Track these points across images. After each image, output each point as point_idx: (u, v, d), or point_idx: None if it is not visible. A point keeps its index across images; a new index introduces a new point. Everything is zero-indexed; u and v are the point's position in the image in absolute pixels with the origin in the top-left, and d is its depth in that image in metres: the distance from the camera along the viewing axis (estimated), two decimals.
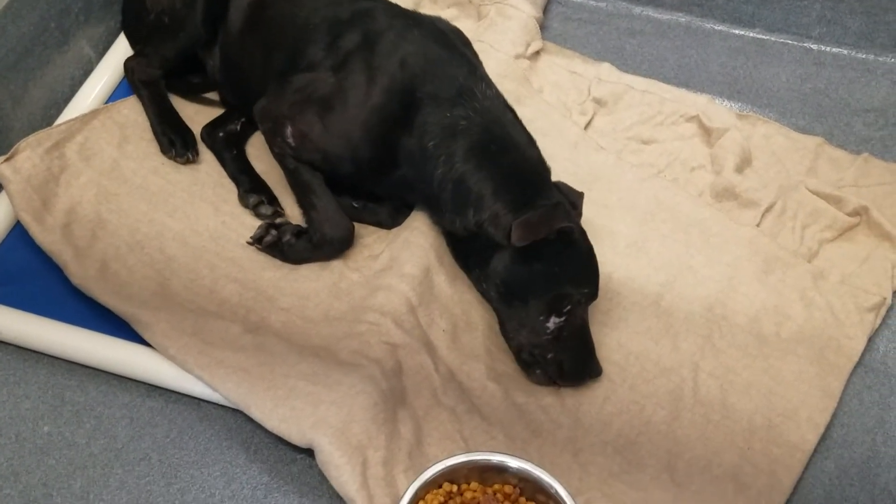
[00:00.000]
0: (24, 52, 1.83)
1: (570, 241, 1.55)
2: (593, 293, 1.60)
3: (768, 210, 1.91)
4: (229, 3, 1.88)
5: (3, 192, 1.75)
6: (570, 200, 1.66)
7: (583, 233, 1.60)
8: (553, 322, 1.55)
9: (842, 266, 1.83)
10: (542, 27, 2.26)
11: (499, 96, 1.69)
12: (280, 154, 1.73)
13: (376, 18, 1.72)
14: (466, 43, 1.79)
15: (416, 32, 1.69)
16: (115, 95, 1.97)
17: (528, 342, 1.58)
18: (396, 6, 1.81)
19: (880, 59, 2.24)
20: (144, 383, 1.60)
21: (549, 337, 1.56)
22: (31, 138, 1.77)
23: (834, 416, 1.63)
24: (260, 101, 1.77)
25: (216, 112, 1.95)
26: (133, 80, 1.92)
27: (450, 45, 1.71)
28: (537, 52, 2.19)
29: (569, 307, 1.55)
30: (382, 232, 1.79)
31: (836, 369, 1.67)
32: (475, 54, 1.79)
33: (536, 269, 1.55)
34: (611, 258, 1.80)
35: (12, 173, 1.71)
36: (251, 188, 1.80)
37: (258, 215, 1.78)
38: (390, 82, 1.64)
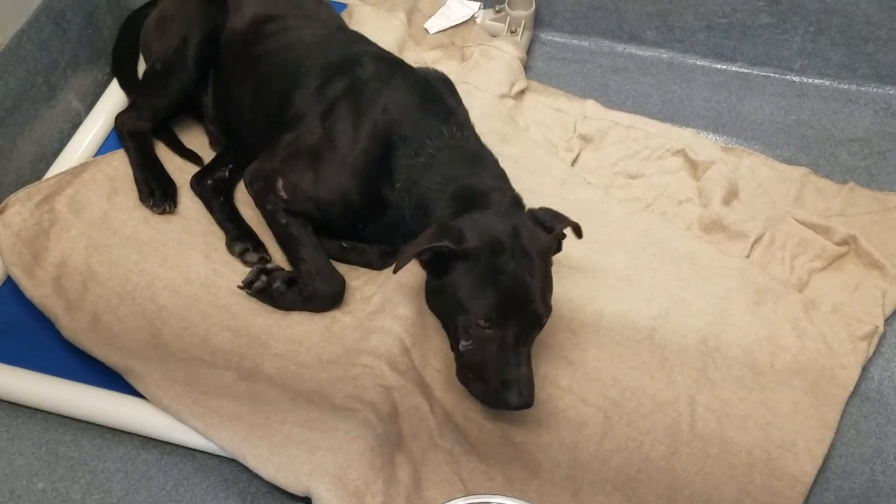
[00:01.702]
0: (12, 107, 1.83)
1: (468, 263, 1.50)
2: (495, 316, 1.49)
3: (757, 241, 1.92)
4: (220, 43, 1.91)
5: None
6: (546, 225, 1.60)
7: (492, 252, 1.50)
8: (462, 345, 1.54)
9: (832, 295, 1.84)
10: (526, 67, 2.29)
11: (471, 137, 1.71)
12: (272, 210, 1.74)
13: (364, 65, 1.75)
14: (452, 91, 1.81)
15: (399, 80, 1.73)
16: (105, 148, 1.98)
17: (456, 362, 1.58)
18: (384, 54, 1.84)
19: (862, 88, 2.27)
20: (138, 436, 1.59)
21: (462, 360, 1.55)
22: (21, 193, 1.78)
23: (832, 446, 1.63)
24: (249, 166, 1.80)
25: (205, 162, 1.96)
26: (121, 133, 1.93)
27: (430, 92, 1.73)
28: (522, 92, 2.21)
29: (471, 330, 1.52)
30: (373, 274, 1.79)
31: (832, 399, 1.67)
32: (459, 101, 1.81)
33: (444, 293, 1.55)
34: (602, 293, 1.80)
35: (2, 228, 1.72)
36: (237, 236, 1.81)
37: (245, 262, 1.79)
38: (373, 128, 1.67)
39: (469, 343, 1.52)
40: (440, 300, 1.57)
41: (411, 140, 1.65)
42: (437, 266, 1.53)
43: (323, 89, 1.74)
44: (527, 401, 1.50)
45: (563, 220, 1.61)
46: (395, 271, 1.51)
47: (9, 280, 1.73)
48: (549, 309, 1.54)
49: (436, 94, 1.73)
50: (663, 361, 1.72)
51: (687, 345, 1.74)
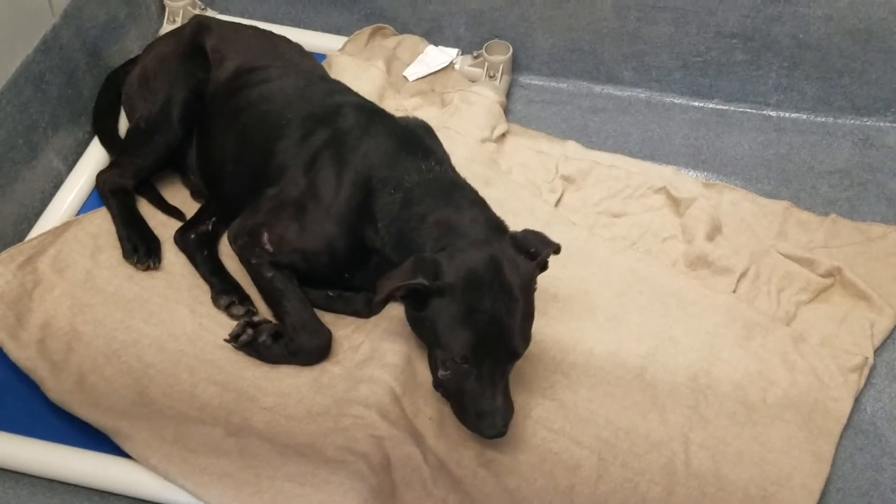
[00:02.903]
0: None
1: (444, 300, 1.50)
2: (471, 356, 1.50)
3: (742, 276, 1.92)
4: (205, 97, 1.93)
5: None
6: (529, 251, 1.57)
7: (469, 288, 1.49)
8: (440, 374, 1.56)
9: (820, 328, 1.84)
10: (507, 110, 2.30)
11: (448, 170, 1.72)
12: (257, 264, 1.74)
13: (345, 115, 1.77)
14: (432, 135, 1.82)
15: (379, 127, 1.74)
16: (87, 206, 1.97)
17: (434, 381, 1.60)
18: (365, 103, 1.86)
19: (839, 121, 2.30)
20: (128, 497, 1.56)
21: (442, 386, 1.58)
22: (4, 255, 1.78)
23: (828, 480, 1.62)
24: (232, 223, 1.81)
25: (187, 217, 1.95)
26: (103, 191, 1.93)
27: (409, 135, 1.75)
28: (503, 135, 2.22)
29: (448, 364, 1.53)
30: (361, 322, 1.79)
31: (826, 433, 1.67)
32: (439, 144, 1.81)
33: (422, 325, 1.55)
34: (591, 333, 1.80)
35: None
36: (223, 289, 1.81)
37: (231, 316, 1.78)
38: (354, 176, 1.68)
39: (447, 373, 1.54)
40: (419, 330, 1.58)
41: (389, 179, 1.66)
42: (414, 300, 1.53)
43: (305, 140, 1.76)
44: (500, 431, 1.53)
45: (550, 244, 1.60)
46: (373, 309, 1.51)
47: None
48: (527, 342, 1.55)
49: (414, 137, 1.75)
50: (655, 400, 1.71)
51: (678, 382, 1.74)
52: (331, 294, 1.79)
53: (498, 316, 1.49)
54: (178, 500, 1.52)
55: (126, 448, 1.55)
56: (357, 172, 1.68)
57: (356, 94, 1.91)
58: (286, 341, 1.70)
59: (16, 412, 1.64)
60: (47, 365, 1.65)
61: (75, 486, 1.58)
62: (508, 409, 1.54)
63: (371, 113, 1.81)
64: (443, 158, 1.75)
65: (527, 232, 1.61)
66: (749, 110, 2.34)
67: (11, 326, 1.69)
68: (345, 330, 1.77)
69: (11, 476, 1.59)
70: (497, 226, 1.63)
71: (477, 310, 1.49)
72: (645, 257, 1.96)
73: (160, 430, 1.56)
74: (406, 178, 1.65)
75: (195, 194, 2.00)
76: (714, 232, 2.00)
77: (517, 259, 1.55)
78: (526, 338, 1.54)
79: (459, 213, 1.61)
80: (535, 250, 1.57)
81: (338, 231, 1.69)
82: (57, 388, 1.62)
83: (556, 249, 1.61)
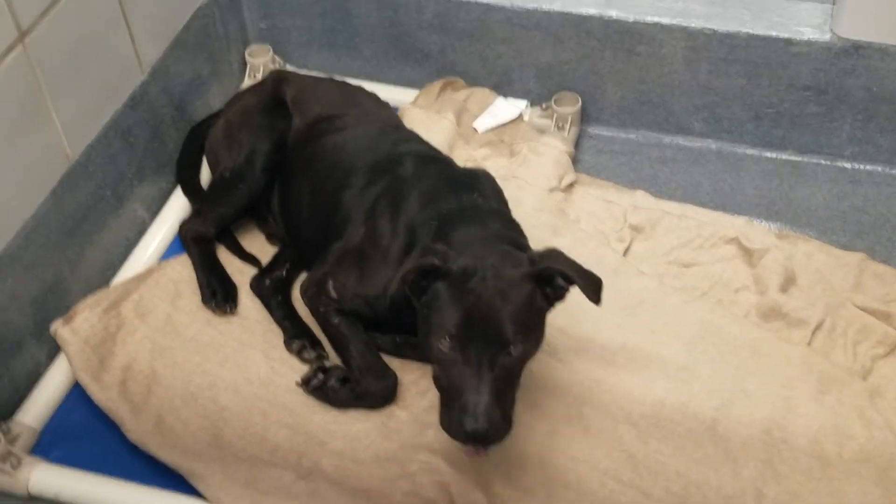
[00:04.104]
0: (81, 218, 1.90)
1: (444, 283, 1.47)
2: (455, 332, 1.44)
3: (818, 328, 1.88)
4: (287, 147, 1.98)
5: (62, 354, 1.80)
6: (534, 262, 1.52)
7: (465, 275, 1.46)
8: (434, 372, 1.50)
9: None
10: (575, 160, 2.31)
11: (489, 202, 1.72)
12: (325, 312, 1.78)
13: (405, 165, 1.81)
14: (489, 178, 1.82)
15: (432, 172, 1.78)
16: (168, 253, 2.04)
17: None
18: (428, 152, 1.90)
19: None
20: None
21: (437, 386, 1.50)
22: (90, 299, 1.85)
23: None
24: (303, 280, 1.85)
25: (263, 264, 2.01)
26: (185, 239, 2.00)
27: (459, 177, 1.77)
28: (571, 185, 2.22)
29: (437, 353, 1.47)
30: (427, 367, 1.78)
31: None
32: (492, 185, 1.81)
33: (423, 313, 1.51)
34: (662, 384, 1.78)
35: (71, 335, 1.77)
36: (295, 333, 1.84)
37: (302, 360, 1.81)
38: (405, 219, 1.70)
39: (438, 369, 1.48)
40: (421, 332, 1.53)
41: (430, 214, 1.66)
42: (419, 288, 1.50)
43: (367, 189, 1.80)
44: (481, 426, 1.39)
45: (556, 259, 1.51)
46: (388, 297, 1.49)
47: (77, 384, 1.77)
48: (517, 329, 1.44)
49: (465, 178, 1.77)
50: (728, 453, 1.68)
51: (751, 436, 1.71)
52: (398, 340, 1.81)
53: (486, 298, 1.45)
54: None
55: (200, 489, 1.59)
56: (407, 216, 1.70)
57: (423, 143, 1.95)
58: (352, 385, 1.72)
59: (98, 452, 1.69)
60: (128, 406, 1.70)
61: None
62: (494, 408, 1.40)
63: (429, 160, 1.84)
64: (488, 194, 1.75)
65: (546, 248, 1.56)
66: (823, 162, 2.31)
67: (95, 369, 1.75)
68: (412, 375, 1.78)
69: None
70: (519, 247, 1.59)
71: (467, 291, 1.45)
72: (716, 308, 1.94)
73: (233, 473, 1.60)
74: (443, 207, 1.66)
75: (270, 237, 2.06)
76: (788, 283, 1.97)
77: (523, 261, 1.51)
78: (515, 323, 1.44)
79: (483, 231, 1.59)
80: (537, 259, 1.52)
81: (394, 276, 1.71)
82: (137, 430, 1.67)
83: (588, 283, 1.50)
